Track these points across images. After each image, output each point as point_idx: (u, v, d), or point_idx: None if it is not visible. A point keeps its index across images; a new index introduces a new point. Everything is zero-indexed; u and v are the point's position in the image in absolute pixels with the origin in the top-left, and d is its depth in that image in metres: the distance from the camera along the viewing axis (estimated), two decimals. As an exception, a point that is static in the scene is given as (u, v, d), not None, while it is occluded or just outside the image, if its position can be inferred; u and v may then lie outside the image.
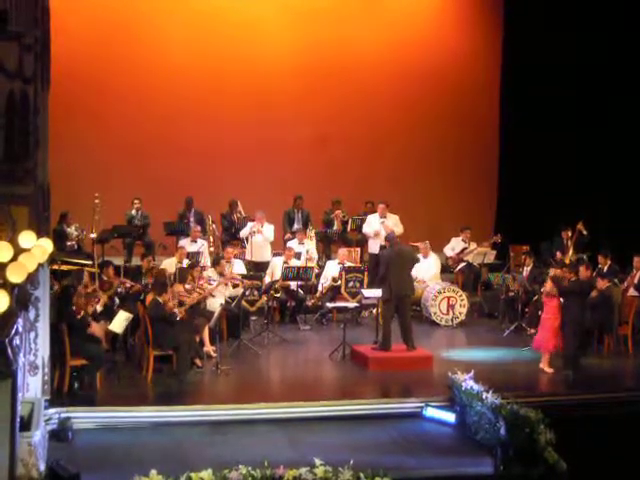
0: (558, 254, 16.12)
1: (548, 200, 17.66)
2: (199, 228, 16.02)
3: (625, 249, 14.90)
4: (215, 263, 14.40)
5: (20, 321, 8.13)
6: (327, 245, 17.45)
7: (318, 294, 15.51)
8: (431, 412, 10.80)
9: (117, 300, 12.92)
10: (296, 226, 16.98)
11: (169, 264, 14.37)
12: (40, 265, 8.34)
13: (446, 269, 16.84)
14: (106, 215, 15.86)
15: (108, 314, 12.18)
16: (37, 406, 9.46)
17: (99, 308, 12.03)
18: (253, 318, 14.75)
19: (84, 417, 10.27)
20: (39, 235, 8.27)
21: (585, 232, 16.35)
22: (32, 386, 9.96)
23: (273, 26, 18.65)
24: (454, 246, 17.13)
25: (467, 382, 10.68)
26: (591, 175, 17.61)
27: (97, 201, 15.57)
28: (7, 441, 7.56)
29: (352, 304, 14.46)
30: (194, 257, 14.92)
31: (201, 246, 15.62)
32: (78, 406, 10.40)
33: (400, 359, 12.68)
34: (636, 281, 14.33)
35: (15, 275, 7.25)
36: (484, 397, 10.20)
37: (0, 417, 7.54)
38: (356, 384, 12.00)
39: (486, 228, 18.82)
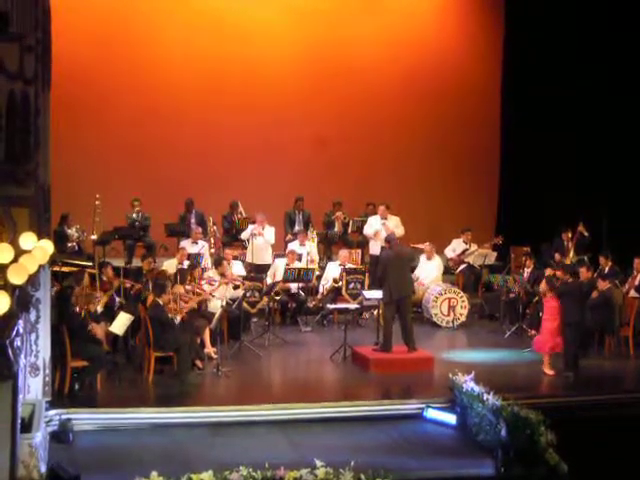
0: (557, 255, 16.10)
1: (549, 201, 17.65)
2: (200, 229, 16.01)
3: (625, 250, 14.89)
4: (217, 264, 14.39)
5: (21, 322, 8.13)
6: (328, 246, 17.45)
7: (319, 295, 15.50)
8: (432, 413, 10.79)
9: (117, 300, 12.89)
10: (297, 227, 16.99)
11: (170, 265, 14.37)
12: (41, 266, 8.34)
13: (447, 270, 16.83)
14: (106, 216, 15.88)
15: (109, 315, 12.18)
16: (38, 407, 9.48)
17: (99, 308, 12.03)
18: (254, 320, 14.75)
19: (85, 418, 10.27)
20: (40, 236, 8.28)
21: (586, 233, 16.36)
22: (33, 387, 9.98)
23: (273, 27, 18.63)
24: (455, 247, 17.13)
25: (468, 383, 10.68)
26: (591, 176, 17.60)
27: (98, 202, 15.58)
28: (8, 443, 7.57)
29: (353, 305, 14.46)
30: (195, 258, 14.91)
31: (202, 247, 15.61)
32: (79, 407, 10.40)
33: (401, 360, 12.67)
34: (637, 283, 14.31)
35: (16, 276, 7.25)
36: (485, 398, 10.20)
37: (1, 419, 7.55)
38: (357, 385, 12.00)
39: (487, 229, 18.81)
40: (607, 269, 14.74)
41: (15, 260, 7.39)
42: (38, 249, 7.87)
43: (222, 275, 13.97)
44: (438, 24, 19.54)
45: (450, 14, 19.70)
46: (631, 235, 15.75)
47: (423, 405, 10.90)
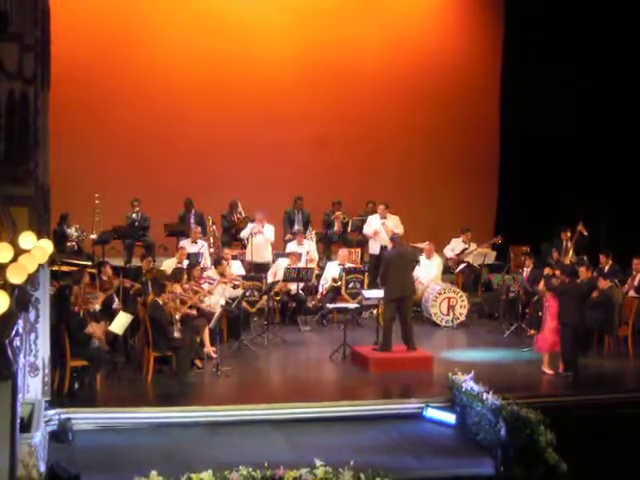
0: (555, 254, 16.08)
1: (548, 201, 17.66)
2: (199, 229, 16.01)
3: (625, 250, 14.89)
4: (216, 263, 14.39)
5: (20, 322, 8.13)
6: (327, 246, 17.45)
7: (319, 295, 15.51)
8: (431, 413, 10.81)
9: (116, 300, 12.89)
10: (296, 227, 16.99)
11: (169, 265, 14.37)
12: (40, 266, 8.33)
13: (446, 270, 16.83)
14: (106, 216, 15.88)
15: (107, 314, 12.18)
16: (37, 407, 9.48)
17: (98, 307, 12.02)
18: (254, 319, 14.75)
19: (84, 418, 10.28)
20: (39, 236, 8.26)
21: (586, 233, 16.35)
22: (32, 387, 9.98)
23: (273, 27, 18.63)
24: (454, 247, 17.13)
25: (467, 383, 10.69)
26: (591, 176, 17.59)
27: (97, 202, 15.57)
28: (7, 442, 7.56)
29: (352, 305, 14.46)
30: (194, 258, 14.91)
31: (201, 247, 15.62)
32: (78, 407, 10.41)
33: (400, 360, 12.68)
34: (636, 283, 14.32)
35: (15, 276, 7.24)
36: (484, 398, 10.20)
37: (0, 418, 7.54)
38: (357, 385, 12.00)
39: (487, 229, 18.82)
40: (607, 268, 14.74)
41: (14, 260, 7.38)
42: (37, 249, 7.86)
43: (221, 275, 13.98)
44: (438, 24, 19.54)
45: (450, 14, 19.70)
46: (630, 235, 15.76)
47: (423, 404, 10.91)
